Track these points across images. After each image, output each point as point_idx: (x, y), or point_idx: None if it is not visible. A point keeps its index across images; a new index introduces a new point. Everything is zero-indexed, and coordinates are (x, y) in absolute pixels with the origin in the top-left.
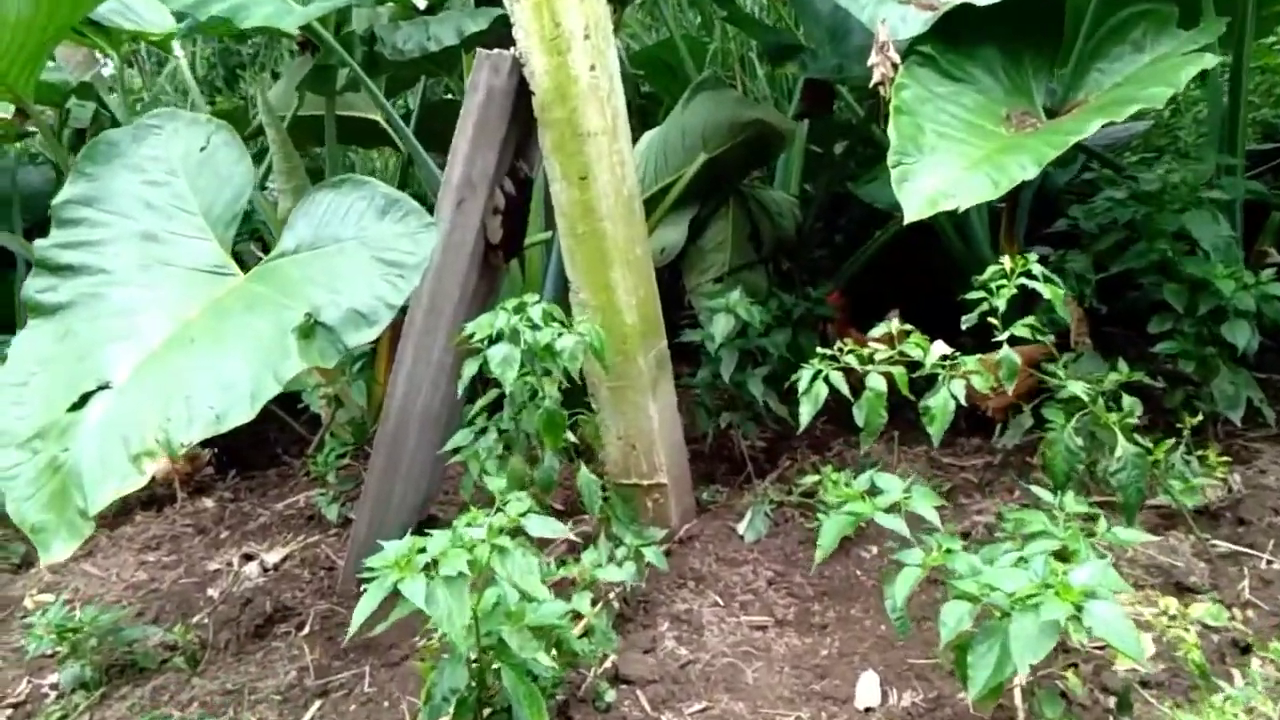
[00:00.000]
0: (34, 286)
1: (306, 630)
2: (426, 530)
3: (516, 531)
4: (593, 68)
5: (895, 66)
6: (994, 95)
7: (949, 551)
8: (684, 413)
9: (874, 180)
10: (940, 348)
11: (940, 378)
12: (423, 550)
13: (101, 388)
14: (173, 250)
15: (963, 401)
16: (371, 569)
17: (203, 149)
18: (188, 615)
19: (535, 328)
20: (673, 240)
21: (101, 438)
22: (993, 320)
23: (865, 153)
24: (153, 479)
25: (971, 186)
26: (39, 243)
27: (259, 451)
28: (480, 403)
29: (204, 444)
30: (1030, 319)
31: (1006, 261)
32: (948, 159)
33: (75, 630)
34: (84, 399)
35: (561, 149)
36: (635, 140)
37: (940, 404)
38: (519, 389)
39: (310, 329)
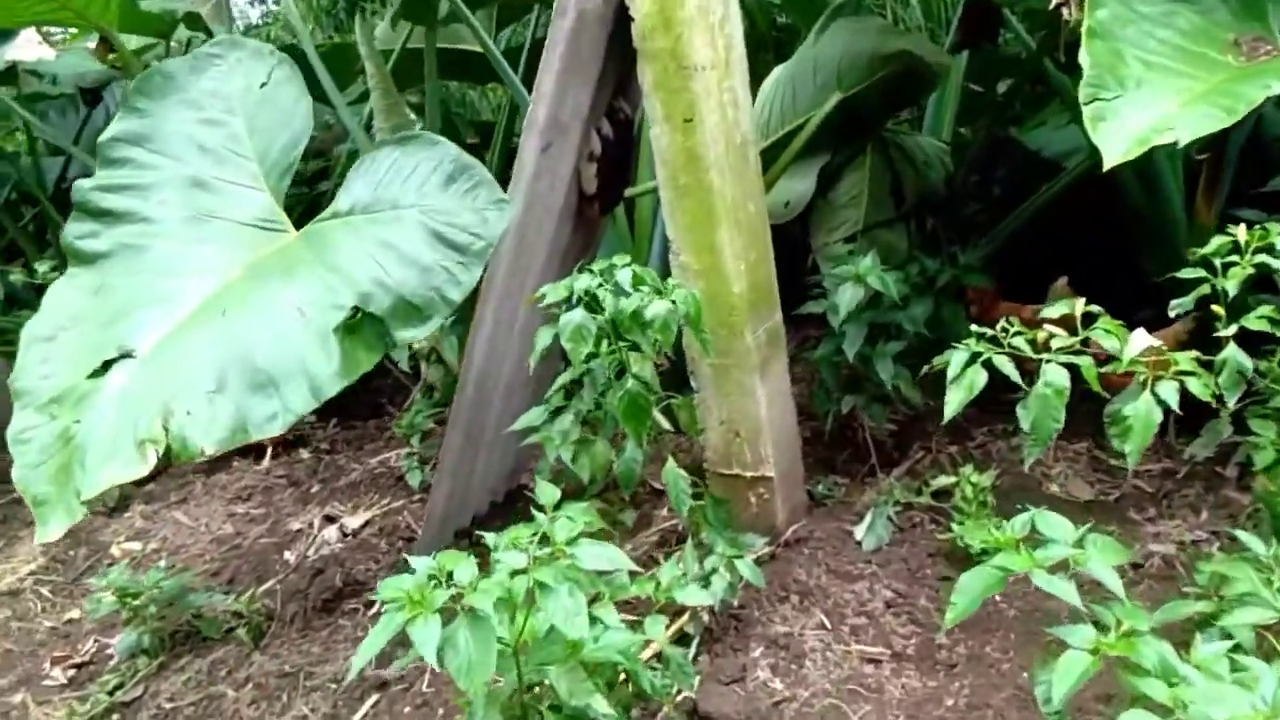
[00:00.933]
0: (73, 232)
1: (374, 610)
2: (514, 502)
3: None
4: None
5: None
6: (1218, 16)
7: (1132, 637)
8: (803, 390)
9: (1043, 124)
10: (1141, 338)
11: (1139, 378)
12: (450, 577)
13: (124, 356)
14: (223, 200)
15: (1175, 408)
16: (387, 598)
17: (263, 85)
18: (262, 579)
19: (621, 293)
20: (799, 192)
21: (116, 414)
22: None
23: (1035, 91)
24: None
25: (1196, 117)
26: (80, 183)
27: (361, 400)
28: (561, 378)
29: None
30: (1268, 309)
31: (1241, 232)
32: (1160, 93)
33: (136, 595)
34: (106, 366)
35: (663, 85)
36: (762, 78)
37: (1142, 415)
38: (603, 364)
39: (357, 324)
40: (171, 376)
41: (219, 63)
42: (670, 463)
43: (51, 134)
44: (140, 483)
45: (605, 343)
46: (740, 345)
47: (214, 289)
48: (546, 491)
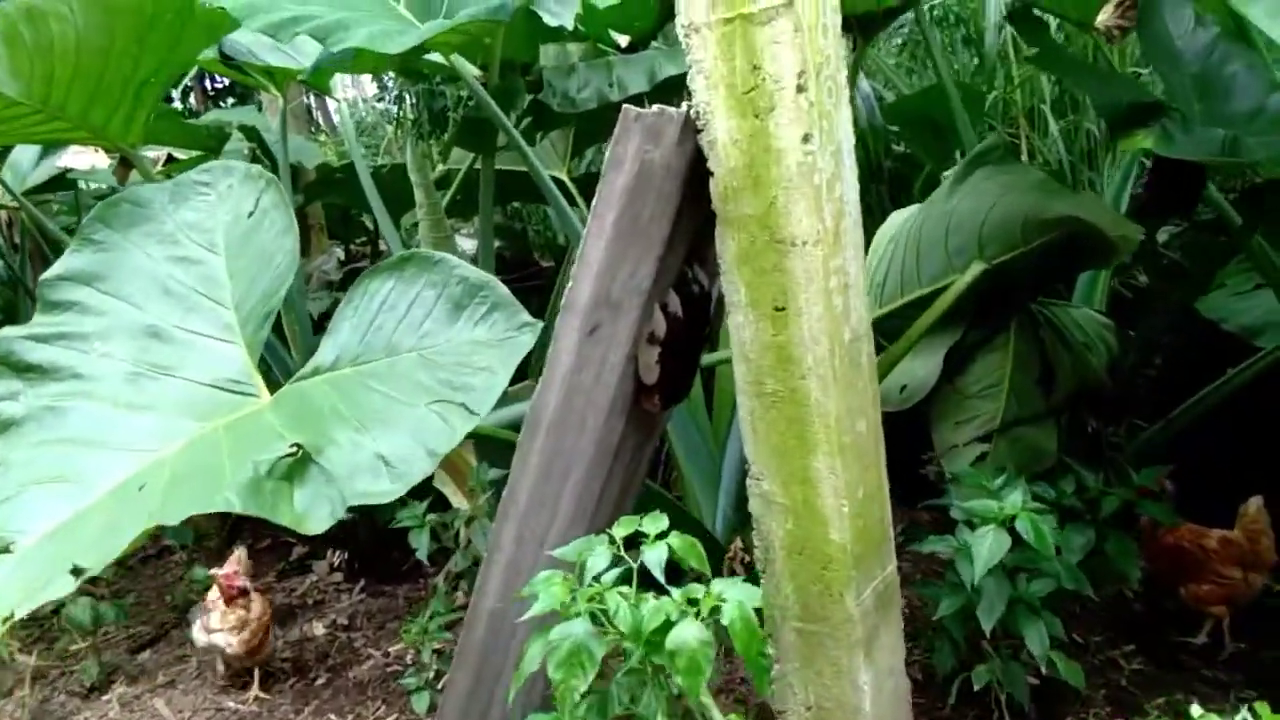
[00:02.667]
0: None
1: None
2: None
3: None
4: (807, 138)
5: None
6: None
7: None
8: (912, 615)
9: (1220, 286)
10: None
11: None
12: None
13: (3, 550)
14: (183, 355)
15: None
16: None
17: (250, 214)
18: None
19: (630, 602)
20: (920, 377)
21: None
22: None
23: (1199, 240)
24: None
25: None
26: (5, 332)
27: (396, 558)
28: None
29: (331, 543)
30: None
31: None
32: None
33: None
34: None
35: (748, 262)
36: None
37: None
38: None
39: (296, 469)
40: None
41: (206, 191)
42: None
43: None
44: (135, 648)
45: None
46: (838, 611)
47: (140, 467)
48: None
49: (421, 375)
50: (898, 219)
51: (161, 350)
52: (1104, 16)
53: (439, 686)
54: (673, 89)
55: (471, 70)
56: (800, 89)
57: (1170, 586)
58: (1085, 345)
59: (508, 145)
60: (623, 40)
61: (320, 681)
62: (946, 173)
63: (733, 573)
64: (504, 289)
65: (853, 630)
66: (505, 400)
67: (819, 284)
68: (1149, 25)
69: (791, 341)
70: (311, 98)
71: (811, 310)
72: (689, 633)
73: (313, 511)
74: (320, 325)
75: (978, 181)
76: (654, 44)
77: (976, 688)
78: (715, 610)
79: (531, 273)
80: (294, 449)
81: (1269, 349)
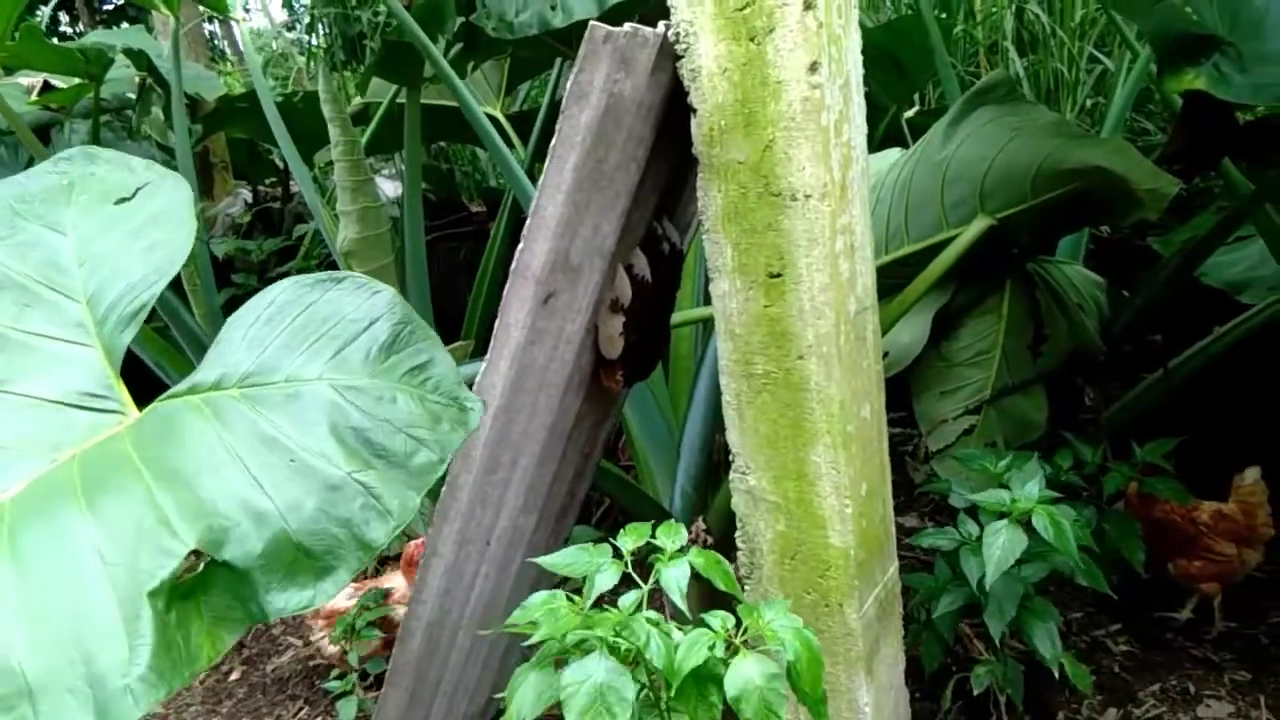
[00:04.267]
0: None
1: None
2: None
3: None
4: (814, 67)
5: None
6: None
7: None
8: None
9: (1193, 236)
10: None
11: None
12: None
13: None
14: (20, 362)
15: None
16: None
17: (122, 200)
18: None
19: (662, 630)
20: (904, 344)
21: None
22: None
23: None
24: None
25: None
26: None
27: None
28: None
29: None
30: None
31: None
32: None
33: None
34: None
35: (738, 218)
36: None
37: None
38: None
39: (198, 584)
40: None
41: (60, 178)
42: None
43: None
44: None
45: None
46: (837, 624)
47: None
48: None
49: (329, 414)
50: (880, 164)
51: None
52: None
53: (369, 683)
54: (627, 14)
55: None
56: (808, 6)
57: (1159, 561)
58: (1080, 307)
59: (434, 78)
60: None
61: (234, 677)
62: (909, 114)
63: None
64: (445, 353)
65: (853, 645)
66: None
67: (824, 246)
68: None
69: (788, 314)
70: (218, 25)
71: (814, 278)
72: (752, 670)
73: (221, 635)
74: (224, 275)
75: (979, 124)
76: None
77: (976, 692)
78: (773, 641)
79: (461, 218)
80: (191, 559)
81: (1258, 307)
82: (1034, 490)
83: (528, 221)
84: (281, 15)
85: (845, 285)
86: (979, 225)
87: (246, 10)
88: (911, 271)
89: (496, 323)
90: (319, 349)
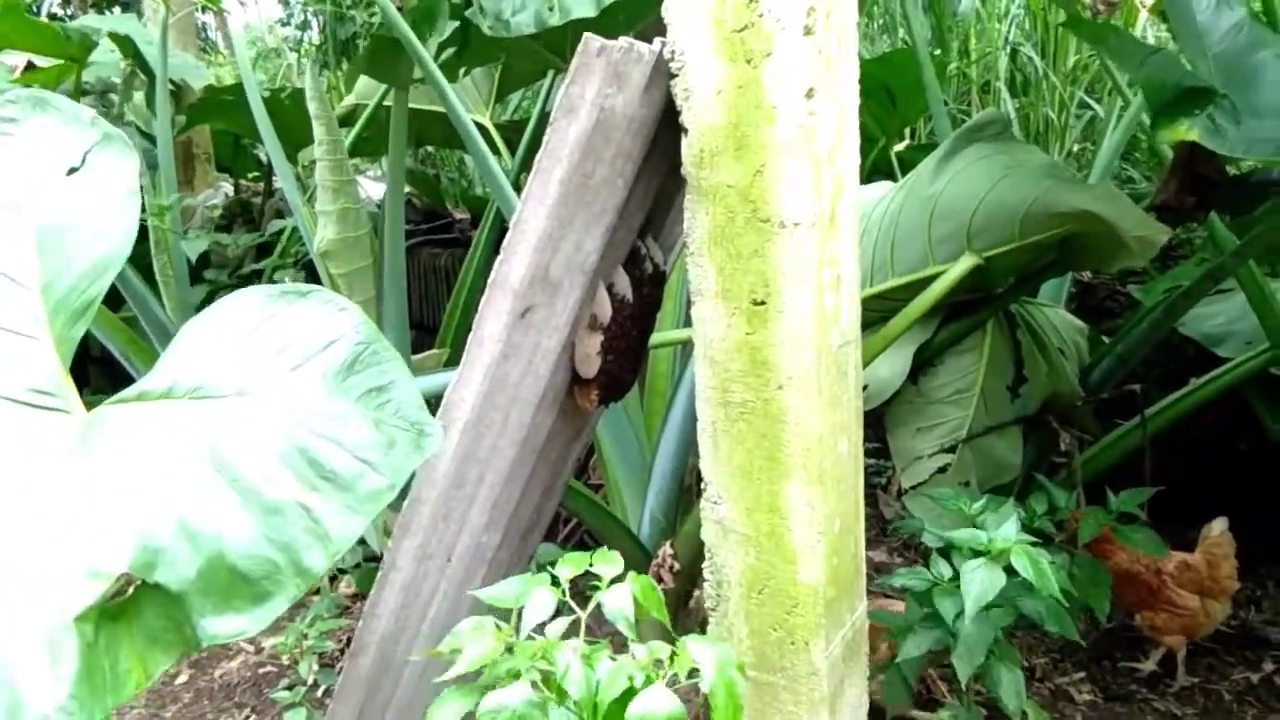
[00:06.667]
0: None
1: None
2: None
3: None
4: (811, 93)
5: None
6: None
7: None
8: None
9: (1176, 287)
10: None
11: None
12: None
13: None
14: None
15: None
16: None
17: (73, 170)
18: None
19: (588, 661)
20: (883, 379)
21: None
22: None
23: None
24: None
25: None
26: None
27: None
28: None
29: None
30: None
31: None
32: None
33: None
34: None
35: (724, 242)
36: None
37: None
38: None
39: (127, 608)
40: None
41: (9, 129)
42: None
43: None
44: None
45: None
46: (801, 663)
47: None
48: None
49: (277, 430)
50: (869, 196)
51: None
52: None
53: (320, 694)
54: (626, 14)
55: None
56: (808, 31)
57: (1125, 610)
58: (1060, 350)
59: (423, 80)
60: None
61: (181, 680)
62: (898, 147)
63: (660, 580)
64: (408, 375)
65: (817, 686)
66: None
67: (811, 276)
68: None
69: (769, 343)
70: (212, 17)
71: (797, 307)
72: (656, 703)
73: (154, 658)
74: (197, 271)
75: (971, 160)
76: None
77: None
78: (691, 674)
79: (444, 224)
80: (123, 579)
81: (1243, 359)
82: (1011, 530)
83: (509, 233)
84: (277, 11)
85: (829, 317)
86: (966, 263)
87: (243, 3)
88: (895, 306)
89: (471, 335)
90: (275, 364)
